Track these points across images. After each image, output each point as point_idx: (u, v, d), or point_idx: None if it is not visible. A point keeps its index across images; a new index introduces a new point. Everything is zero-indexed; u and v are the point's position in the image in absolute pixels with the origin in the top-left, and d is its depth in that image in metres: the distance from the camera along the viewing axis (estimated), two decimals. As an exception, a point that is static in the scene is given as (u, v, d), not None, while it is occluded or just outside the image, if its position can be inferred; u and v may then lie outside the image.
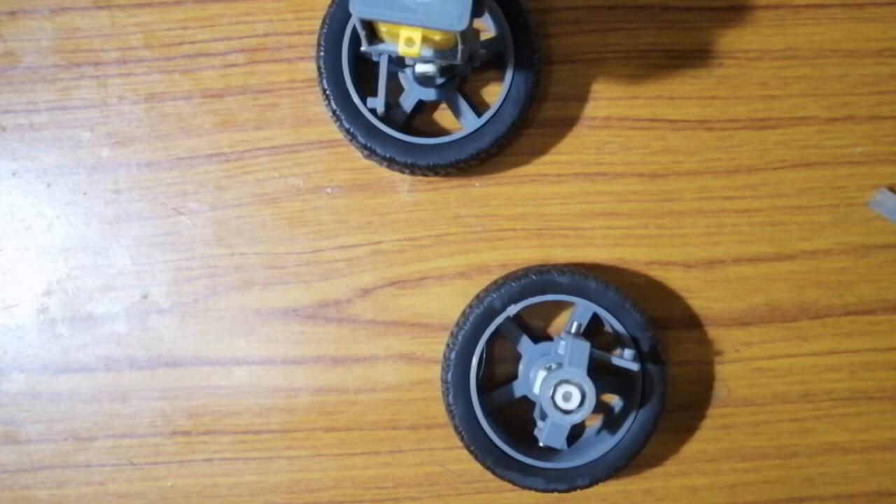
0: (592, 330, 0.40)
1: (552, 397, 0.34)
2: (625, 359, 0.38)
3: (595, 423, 0.41)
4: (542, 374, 0.38)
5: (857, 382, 0.42)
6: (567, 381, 0.34)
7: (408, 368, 0.41)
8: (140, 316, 0.40)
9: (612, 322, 0.39)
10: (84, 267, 0.41)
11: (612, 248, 0.41)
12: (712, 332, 0.41)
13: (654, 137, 0.41)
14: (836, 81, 0.42)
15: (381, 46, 0.33)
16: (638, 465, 0.41)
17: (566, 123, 0.41)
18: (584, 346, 0.34)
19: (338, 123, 0.39)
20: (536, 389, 0.37)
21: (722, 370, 0.41)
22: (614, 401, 0.41)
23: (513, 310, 0.38)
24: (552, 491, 0.38)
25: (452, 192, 0.41)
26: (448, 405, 0.39)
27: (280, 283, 0.41)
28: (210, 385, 0.41)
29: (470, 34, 0.33)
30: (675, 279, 0.41)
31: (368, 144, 0.38)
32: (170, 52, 0.41)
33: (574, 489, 0.38)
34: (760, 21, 0.41)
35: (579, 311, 0.39)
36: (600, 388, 0.38)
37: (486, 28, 0.40)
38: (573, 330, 0.38)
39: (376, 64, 0.39)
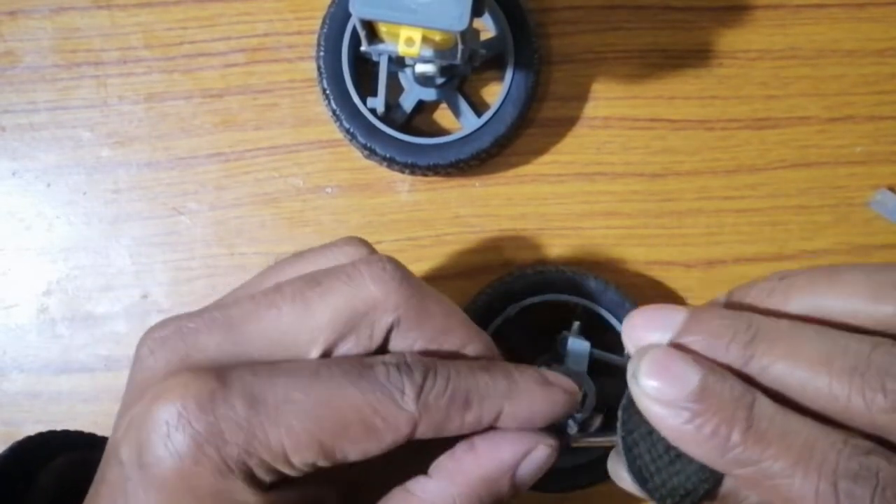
0: (593, 330, 0.40)
1: (552, 397, 0.34)
2: (625, 359, 0.38)
3: (595, 423, 0.41)
4: (542, 374, 0.38)
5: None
6: None
7: (408, 368, 0.41)
8: (140, 316, 0.40)
9: (612, 322, 0.39)
10: (84, 267, 0.41)
11: (612, 248, 0.41)
12: (712, 332, 0.41)
13: (654, 137, 0.41)
14: (836, 81, 0.42)
15: (381, 46, 0.33)
16: (638, 465, 0.40)
17: (566, 123, 0.41)
18: (584, 346, 0.34)
19: (338, 123, 0.39)
20: (536, 389, 0.37)
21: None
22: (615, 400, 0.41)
23: (513, 310, 0.38)
24: (552, 491, 0.38)
25: (452, 192, 0.41)
26: (448, 405, 0.38)
27: (280, 283, 0.40)
28: (210, 385, 0.40)
29: (470, 34, 0.33)
30: (675, 279, 0.41)
31: (368, 144, 0.38)
32: (170, 52, 0.41)
33: (574, 489, 0.38)
34: (760, 21, 0.41)
35: (579, 311, 0.39)
36: (600, 388, 0.38)
37: (486, 28, 0.40)
38: (573, 330, 0.38)
39: (376, 64, 0.39)
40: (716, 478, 0.25)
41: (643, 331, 0.25)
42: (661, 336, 0.25)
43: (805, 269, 0.26)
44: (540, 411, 0.27)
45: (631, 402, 0.25)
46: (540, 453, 0.27)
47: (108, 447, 0.25)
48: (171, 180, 0.41)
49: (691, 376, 0.23)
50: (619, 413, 0.26)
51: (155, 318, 0.41)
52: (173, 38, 0.41)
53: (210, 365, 0.24)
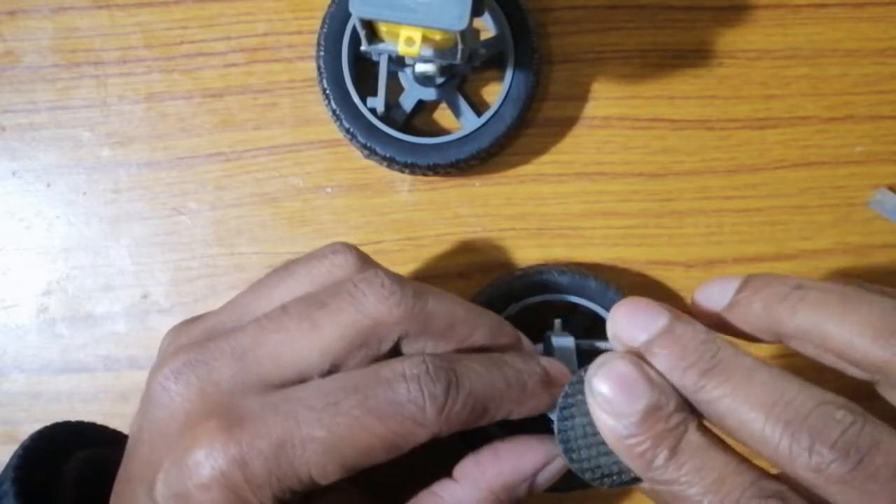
0: (593, 329, 0.40)
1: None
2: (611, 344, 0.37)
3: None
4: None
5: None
6: None
7: (408, 368, 0.41)
8: (140, 316, 0.40)
9: (612, 322, 0.38)
10: (84, 267, 0.41)
11: (612, 248, 0.41)
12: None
13: (654, 137, 0.41)
14: (836, 81, 0.42)
15: (381, 46, 0.33)
16: (638, 465, 0.40)
17: (566, 123, 0.41)
18: (569, 342, 0.34)
19: (338, 123, 0.39)
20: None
21: (722, 370, 0.41)
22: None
23: (513, 309, 0.38)
24: (552, 490, 0.38)
25: (452, 192, 0.41)
26: (448, 405, 0.38)
27: (280, 282, 0.40)
28: (210, 385, 0.40)
29: (470, 34, 0.33)
30: (675, 279, 0.41)
31: (368, 144, 0.39)
32: (170, 52, 0.41)
33: (574, 489, 0.38)
34: (760, 21, 0.42)
35: (579, 311, 0.39)
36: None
37: (486, 28, 0.40)
38: (555, 328, 0.37)
39: (376, 64, 0.39)
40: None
41: (624, 326, 0.27)
42: (638, 336, 0.27)
43: (821, 284, 0.27)
44: (539, 409, 0.29)
45: (580, 384, 0.28)
46: (558, 463, 0.30)
47: (128, 484, 0.26)
48: (171, 180, 0.41)
49: (640, 398, 0.26)
50: (566, 387, 0.28)
51: (155, 318, 0.41)
52: (173, 38, 0.41)
53: (228, 400, 0.26)
